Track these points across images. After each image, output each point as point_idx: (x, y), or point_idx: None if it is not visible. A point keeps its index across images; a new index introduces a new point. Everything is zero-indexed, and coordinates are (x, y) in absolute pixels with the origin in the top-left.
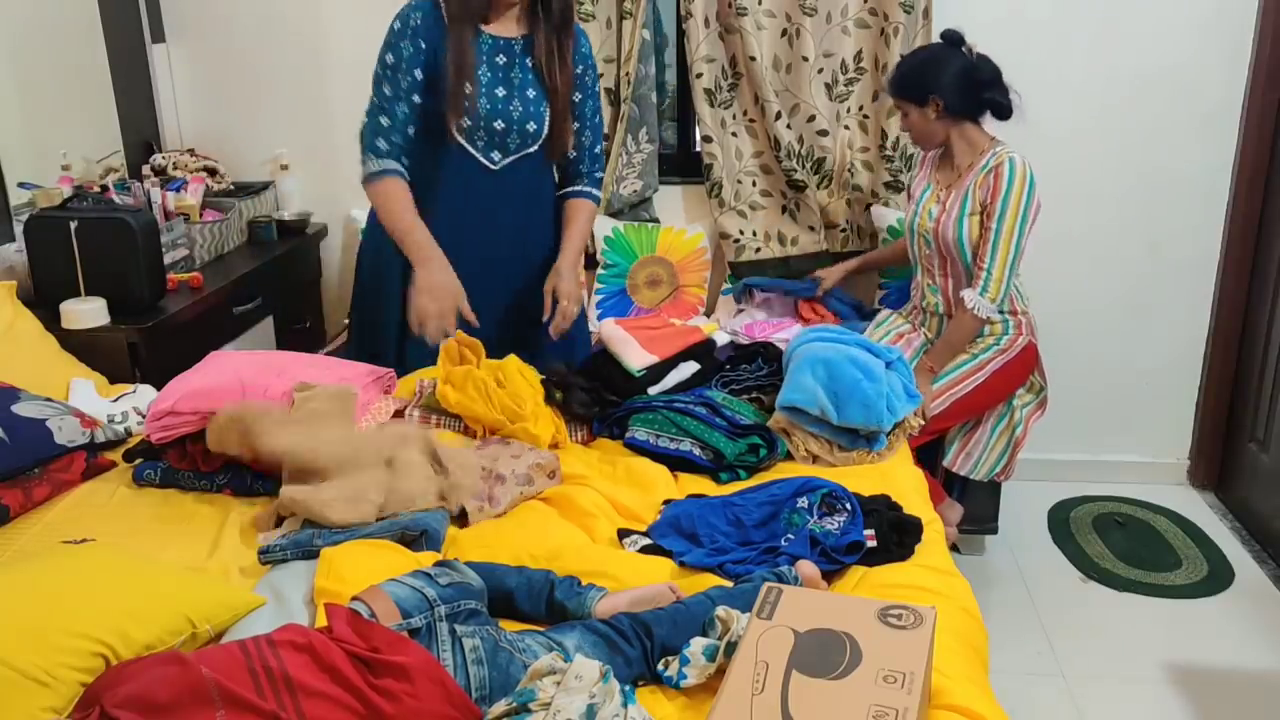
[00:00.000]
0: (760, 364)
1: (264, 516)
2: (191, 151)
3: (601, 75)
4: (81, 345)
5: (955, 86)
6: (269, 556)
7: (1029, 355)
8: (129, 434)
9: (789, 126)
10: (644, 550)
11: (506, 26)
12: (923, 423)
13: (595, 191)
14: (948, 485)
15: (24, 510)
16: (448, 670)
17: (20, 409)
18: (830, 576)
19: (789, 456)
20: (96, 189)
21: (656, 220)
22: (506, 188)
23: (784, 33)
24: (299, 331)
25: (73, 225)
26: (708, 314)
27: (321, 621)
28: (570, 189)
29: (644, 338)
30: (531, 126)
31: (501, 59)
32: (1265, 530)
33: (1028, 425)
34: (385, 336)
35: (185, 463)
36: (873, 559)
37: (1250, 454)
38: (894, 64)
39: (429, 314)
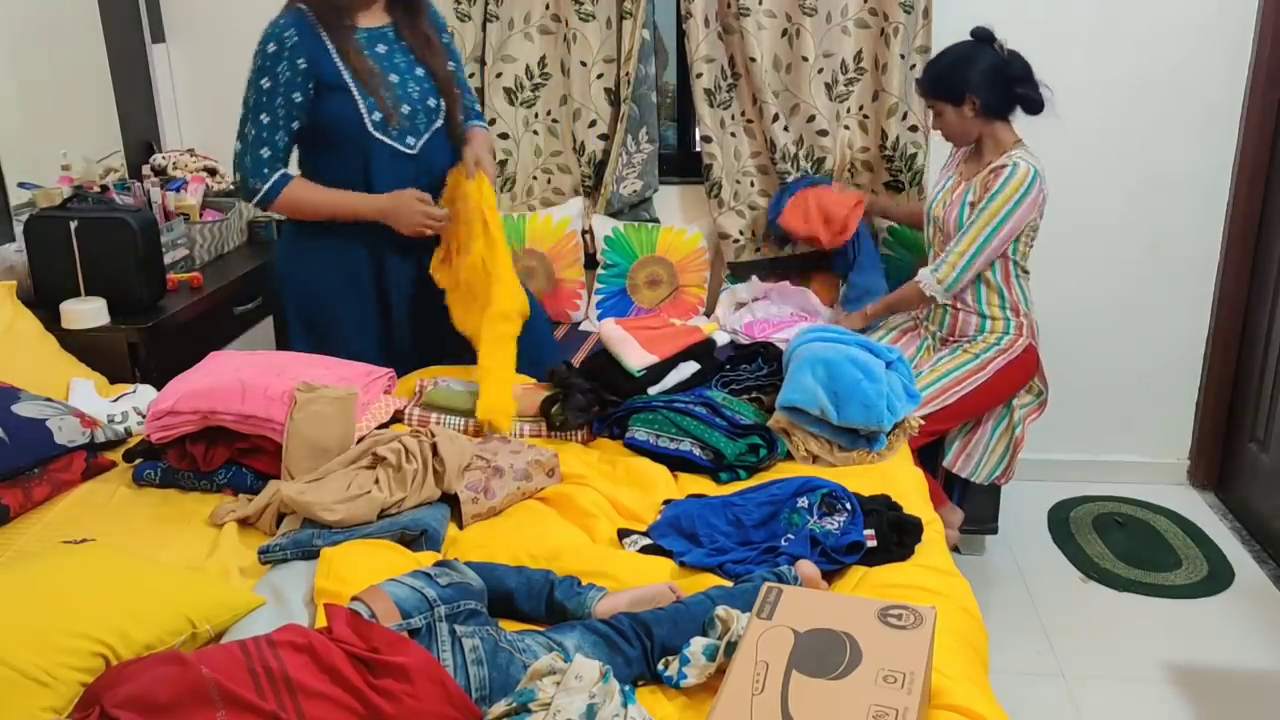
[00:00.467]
0: (760, 364)
1: (253, 514)
2: (191, 151)
3: (601, 75)
4: (81, 345)
5: (989, 84)
6: (269, 556)
7: (1030, 358)
8: (129, 434)
9: (786, 129)
10: (644, 550)
11: (374, 17)
12: (922, 421)
13: (483, 123)
14: (948, 486)
15: (24, 510)
16: (448, 670)
17: (20, 409)
18: (830, 576)
19: (789, 456)
20: (96, 189)
21: (656, 220)
22: (428, 168)
23: (784, 33)
24: None
25: (73, 225)
26: (708, 314)
27: (321, 621)
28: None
29: (644, 338)
30: (432, 102)
31: (381, 48)
32: (1265, 530)
33: (1026, 426)
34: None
35: (185, 463)
36: (873, 559)
37: (1250, 454)
38: (893, 64)
39: (419, 222)
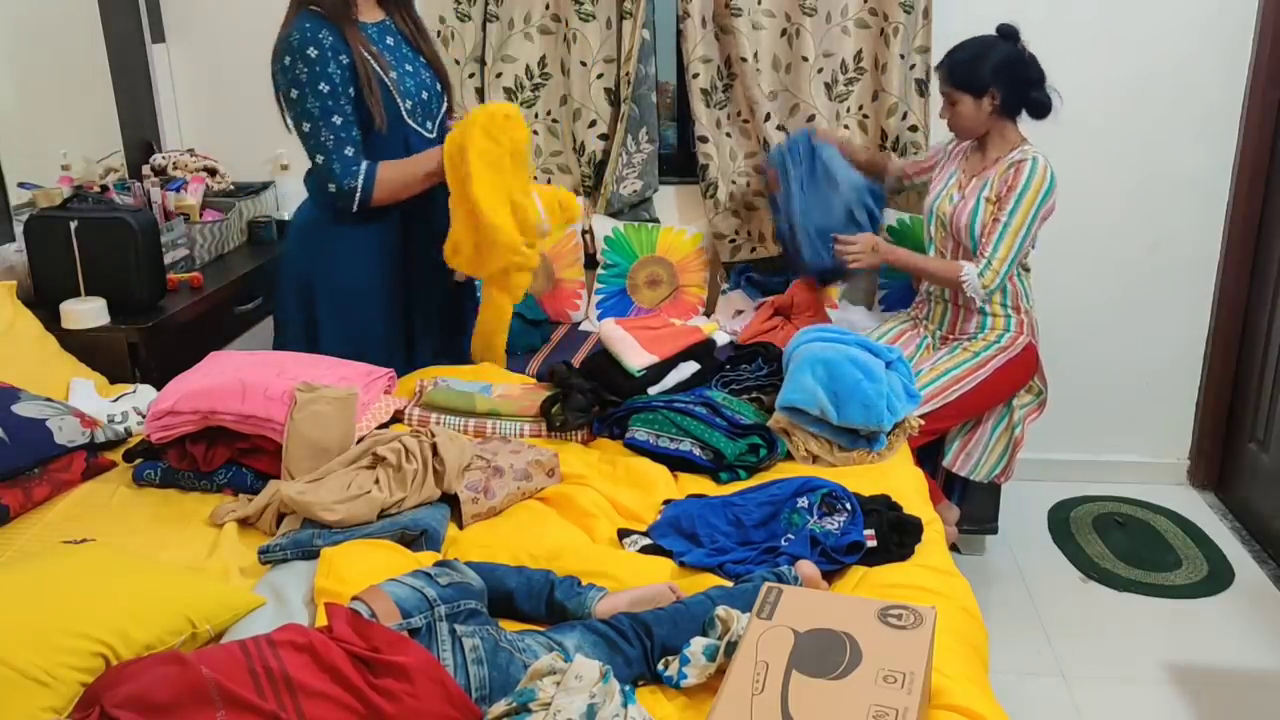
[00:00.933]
0: (760, 364)
1: (253, 514)
2: (191, 151)
3: (601, 75)
4: (81, 345)
5: (1010, 81)
6: (269, 556)
7: (1030, 357)
8: (129, 434)
9: (779, 128)
10: (644, 550)
11: (373, 13)
12: (919, 417)
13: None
14: (948, 486)
15: (24, 510)
16: (448, 670)
17: (20, 409)
18: (830, 576)
19: (789, 456)
20: (96, 189)
21: (656, 220)
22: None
23: (784, 32)
24: None
25: (73, 225)
26: (708, 314)
27: (321, 621)
28: None
29: (644, 338)
30: (439, 88)
31: (390, 40)
32: (1265, 530)
33: (1026, 426)
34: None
35: (185, 463)
36: (873, 559)
37: (1250, 454)
38: (893, 64)
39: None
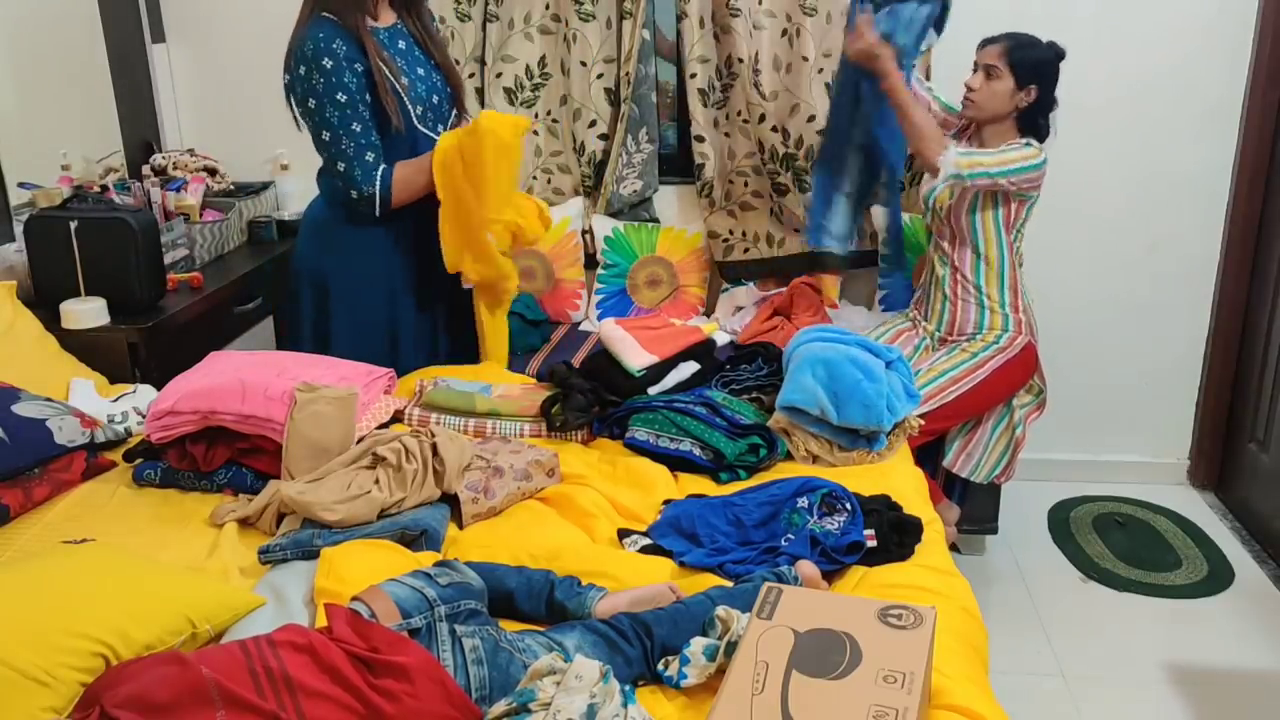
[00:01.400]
0: (760, 364)
1: (253, 514)
2: (191, 151)
3: (601, 75)
4: (81, 345)
5: (1045, 90)
6: (269, 556)
7: (1029, 357)
8: (129, 434)
9: (775, 129)
10: (644, 550)
11: (386, 16)
12: (918, 417)
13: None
14: (948, 486)
15: (24, 510)
16: (448, 670)
17: (20, 409)
18: (830, 576)
19: (789, 456)
20: (96, 189)
21: (656, 220)
22: None
23: (784, 33)
24: None
25: (73, 225)
26: (708, 314)
27: (321, 621)
28: None
29: (644, 338)
30: (449, 93)
31: (402, 44)
32: (1265, 530)
33: (1026, 426)
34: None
35: (185, 463)
36: (873, 559)
37: (1250, 454)
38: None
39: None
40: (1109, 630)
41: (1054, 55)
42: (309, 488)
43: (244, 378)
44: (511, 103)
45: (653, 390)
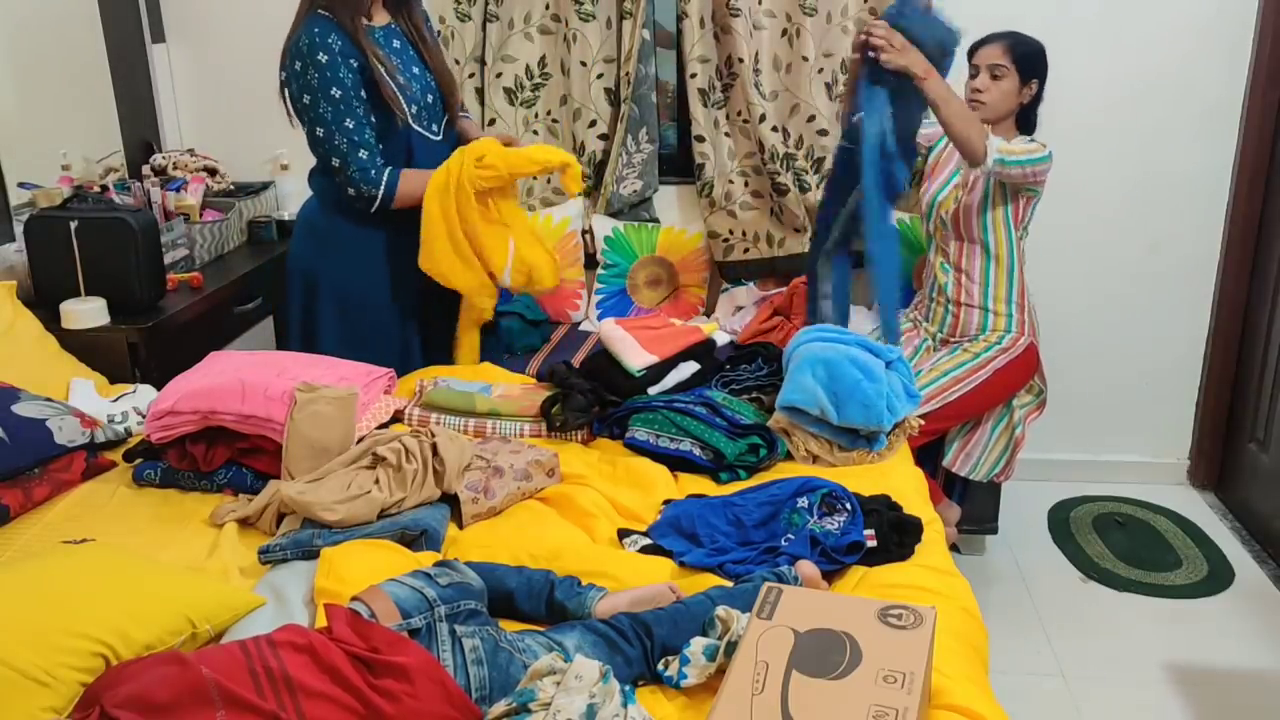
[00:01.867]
0: (760, 364)
1: (253, 514)
2: (191, 151)
3: (601, 75)
4: (81, 345)
5: (1041, 85)
6: (269, 556)
7: (1030, 357)
8: (129, 434)
9: (774, 129)
10: (644, 550)
11: (381, 16)
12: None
13: (466, 113)
14: (948, 485)
15: (24, 510)
16: (448, 670)
17: (20, 409)
18: (830, 576)
19: (789, 456)
20: (96, 189)
21: (656, 220)
22: (450, 152)
23: (784, 33)
24: None
25: (73, 225)
26: (708, 314)
27: (321, 621)
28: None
29: (644, 338)
30: (443, 92)
31: (397, 43)
32: (1265, 530)
33: (1026, 426)
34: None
35: (185, 463)
36: (873, 559)
37: (1250, 454)
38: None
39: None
40: (1109, 630)
41: (1043, 47)
42: (309, 488)
43: (244, 378)
44: (511, 103)
45: (653, 390)
